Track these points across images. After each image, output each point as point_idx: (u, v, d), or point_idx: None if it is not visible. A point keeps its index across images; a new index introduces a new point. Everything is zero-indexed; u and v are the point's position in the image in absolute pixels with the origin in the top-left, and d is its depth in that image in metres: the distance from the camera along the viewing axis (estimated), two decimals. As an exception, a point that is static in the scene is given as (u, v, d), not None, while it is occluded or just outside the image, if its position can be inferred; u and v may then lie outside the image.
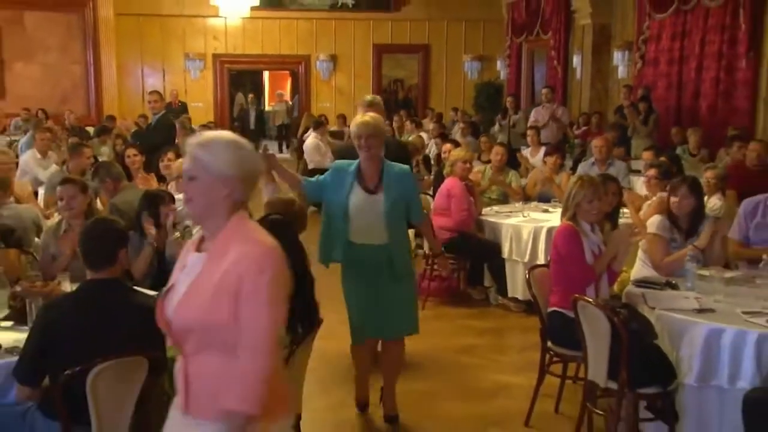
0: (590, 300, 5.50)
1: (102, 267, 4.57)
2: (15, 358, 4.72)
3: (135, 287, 5.01)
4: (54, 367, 4.33)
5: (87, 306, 4.54)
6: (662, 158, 10.07)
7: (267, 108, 28.74)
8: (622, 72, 17.17)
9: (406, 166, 6.39)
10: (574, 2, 18.33)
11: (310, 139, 15.60)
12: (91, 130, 16.62)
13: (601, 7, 17.56)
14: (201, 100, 22.41)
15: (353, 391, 6.64)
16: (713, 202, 8.05)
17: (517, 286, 8.99)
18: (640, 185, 9.95)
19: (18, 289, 5.48)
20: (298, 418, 5.05)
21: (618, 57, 17.17)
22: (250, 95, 26.69)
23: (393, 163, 6.18)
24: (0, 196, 6.53)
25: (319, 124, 16.43)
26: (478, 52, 23.13)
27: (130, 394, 4.50)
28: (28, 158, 11.41)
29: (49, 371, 4.39)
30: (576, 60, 18.77)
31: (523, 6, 20.68)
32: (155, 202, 6.68)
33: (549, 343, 6.16)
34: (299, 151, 16.58)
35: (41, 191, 9.73)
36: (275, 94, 26.98)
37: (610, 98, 17.72)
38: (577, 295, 5.52)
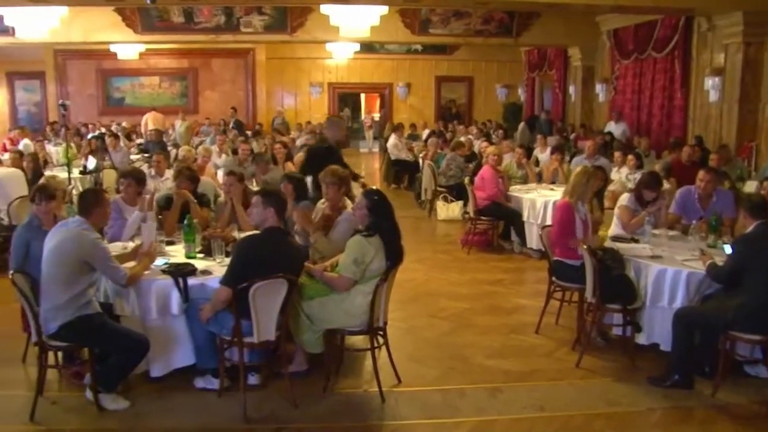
0: (585, 248, 5.51)
1: (282, 219, 4.80)
2: (208, 276, 4.94)
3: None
4: (246, 277, 4.46)
5: (265, 242, 4.70)
6: (629, 156, 9.95)
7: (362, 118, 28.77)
8: (601, 97, 16.87)
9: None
10: (569, 50, 18.03)
11: (392, 139, 15.53)
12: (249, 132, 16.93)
13: (588, 54, 17.26)
14: (319, 113, 22.40)
15: (424, 308, 6.80)
16: (664, 185, 7.94)
17: (532, 239, 8.90)
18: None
19: (206, 233, 5.63)
20: (385, 324, 5.09)
21: (599, 87, 16.87)
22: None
23: None
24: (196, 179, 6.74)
25: (397, 129, 16.36)
26: (505, 81, 22.79)
27: (276, 302, 4.58)
28: (212, 152, 11.60)
29: (244, 280, 4.48)
30: (571, 89, 18.41)
31: (536, 52, 20.37)
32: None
33: (553, 278, 6.15)
34: (385, 148, 16.52)
35: (220, 172, 9.91)
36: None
37: (594, 115, 17.43)
38: (584, 246, 5.57)
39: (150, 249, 5.07)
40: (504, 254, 9.34)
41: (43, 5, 11.37)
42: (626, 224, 6.37)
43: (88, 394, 4.74)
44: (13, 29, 13.20)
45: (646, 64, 14.62)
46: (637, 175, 8.14)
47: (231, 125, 17.80)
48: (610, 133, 13.98)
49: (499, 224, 9.59)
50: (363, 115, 28.45)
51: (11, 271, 4.73)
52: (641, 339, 5.59)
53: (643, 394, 5.02)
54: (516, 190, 9.51)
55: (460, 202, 11.29)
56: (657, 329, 5.50)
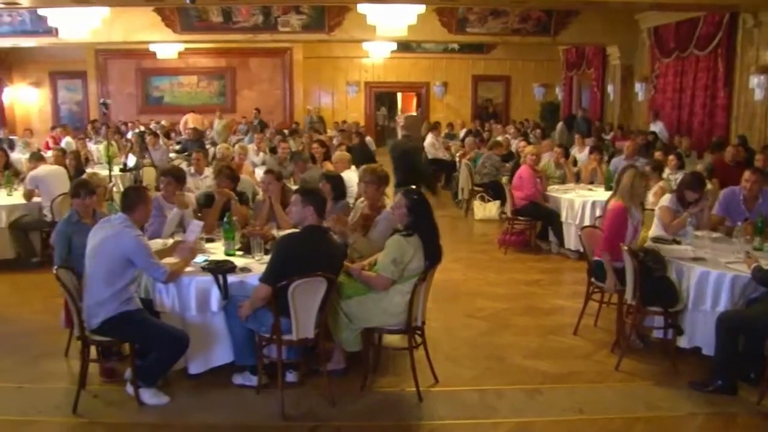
0: (626, 249, 5.42)
1: (321, 218, 4.83)
2: (248, 274, 4.99)
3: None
4: (286, 275, 4.48)
5: (305, 240, 4.73)
6: (670, 156, 9.80)
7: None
8: (641, 96, 16.65)
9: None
10: (608, 49, 17.81)
11: (429, 138, 15.43)
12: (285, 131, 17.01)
13: (627, 52, 17.06)
14: (356, 112, 22.59)
15: (461, 308, 6.79)
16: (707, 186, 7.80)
17: (570, 240, 8.82)
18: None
19: (245, 231, 5.68)
20: (423, 323, 5.07)
21: (638, 86, 16.66)
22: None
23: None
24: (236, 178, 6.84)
25: (434, 128, 16.24)
26: (543, 80, 22.63)
27: (315, 300, 4.59)
28: (249, 150, 11.70)
29: (283, 278, 4.50)
30: (610, 88, 18.20)
31: (574, 51, 20.18)
32: None
33: (592, 279, 6.07)
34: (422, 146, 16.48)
35: (258, 170, 9.95)
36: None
37: (633, 114, 17.21)
38: (625, 247, 5.45)
39: (193, 246, 5.13)
40: (541, 255, 9.26)
41: (85, 6, 11.57)
42: (667, 225, 6.25)
43: (129, 388, 4.81)
44: (56, 30, 13.48)
45: (688, 62, 14.41)
46: (679, 176, 8.00)
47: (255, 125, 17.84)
48: (653, 133, 13.79)
49: (536, 224, 9.51)
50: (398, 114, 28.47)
51: (55, 266, 4.82)
52: (683, 342, 5.48)
53: (685, 399, 4.93)
54: (554, 190, 9.43)
55: (497, 202, 11.23)
56: (699, 333, 5.38)
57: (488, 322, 6.54)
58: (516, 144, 13.68)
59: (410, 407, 4.82)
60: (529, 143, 12.33)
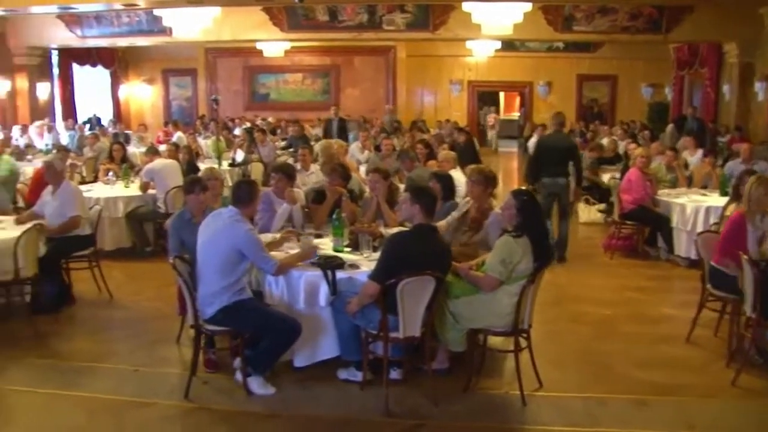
0: (745, 258, 5.15)
1: (430, 217, 4.83)
2: (355, 270, 5.04)
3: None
4: (395, 273, 4.52)
5: (415, 239, 4.74)
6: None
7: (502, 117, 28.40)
8: (761, 96, 15.75)
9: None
10: (725, 46, 16.94)
11: (534, 138, 15.25)
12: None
13: (746, 49, 16.10)
14: (459, 110, 22.60)
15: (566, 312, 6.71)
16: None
17: (681, 246, 8.50)
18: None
19: (353, 228, 5.76)
20: (529, 326, 4.98)
21: (759, 86, 15.73)
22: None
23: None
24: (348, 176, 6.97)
25: (540, 128, 16.04)
26: (651, 80, 21.90)
27: (423, 299, 4.60)
28: (353, 147, 11.86)
29: (392, 276, 4.53)
30: (725, 88, 17.34)
31: (686, 49, 19.32)
32: None
33: (708, 286, 5.81)
34: (525, 147, 16.28)
35: (362, 168, 10.06)
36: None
37: (752, 115, 16.34)
38: (745, 256, 5.17)
39: (307, 254, 5.22)
40: (649, 261, 8.97)
41: (198, 6, 12.03)
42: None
43: (238, 376, 4.98)
44: (170, 29, 14.10)
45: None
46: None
47: (335, 125, 17.92)
48: None
49: (644, 229, 9.22)
50: (500, 112, 28.17)
51: (171, 257, 5.03)
52: (809, 361, 5.19)
53: (812, 423, 4.65)
54: (665, 194, 9.10)
55: (602, 205, 10.97)
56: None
57: (594, 328, 6.40)
58: (624, 146, 13.31)
59: (514, 411, 4.77)
60: (639, 145, 11.97)
